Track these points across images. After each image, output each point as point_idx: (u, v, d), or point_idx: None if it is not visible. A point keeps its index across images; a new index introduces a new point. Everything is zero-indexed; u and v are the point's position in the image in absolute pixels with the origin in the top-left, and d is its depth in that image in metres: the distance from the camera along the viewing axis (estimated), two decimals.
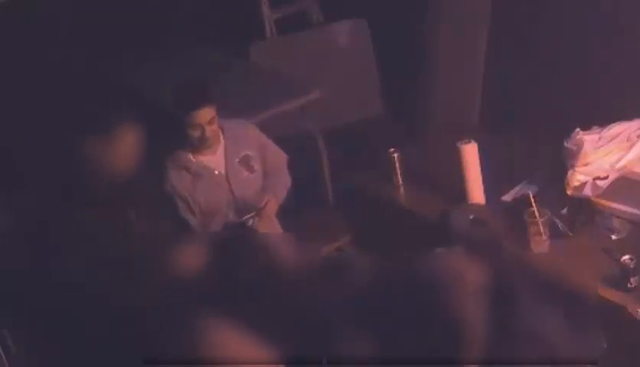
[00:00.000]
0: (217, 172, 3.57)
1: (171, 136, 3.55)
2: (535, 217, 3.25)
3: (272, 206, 3.63)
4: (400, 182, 3.94)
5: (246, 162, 3.60)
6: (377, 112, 4.63)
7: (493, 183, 3.64)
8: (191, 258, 2.18)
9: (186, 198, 3.54)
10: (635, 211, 3.36)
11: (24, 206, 3.12)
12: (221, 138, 3.58)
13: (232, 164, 3.59)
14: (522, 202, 3.40)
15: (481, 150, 3.58)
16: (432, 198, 3.77)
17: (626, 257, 3.08)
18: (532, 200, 3.27)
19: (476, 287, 1.80)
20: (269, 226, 3.60)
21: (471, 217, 3.31)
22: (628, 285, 2.99)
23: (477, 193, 3.61)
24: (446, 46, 4.37)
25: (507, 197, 3.66)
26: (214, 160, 3.58)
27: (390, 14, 4.57)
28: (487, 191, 3.62)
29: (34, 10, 4.77)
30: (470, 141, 3.59)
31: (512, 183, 3.71)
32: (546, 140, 3.75)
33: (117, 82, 4.83)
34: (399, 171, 3.92)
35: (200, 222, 3.57)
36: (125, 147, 2.91)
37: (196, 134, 3.44)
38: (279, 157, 3.78)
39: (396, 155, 3.90)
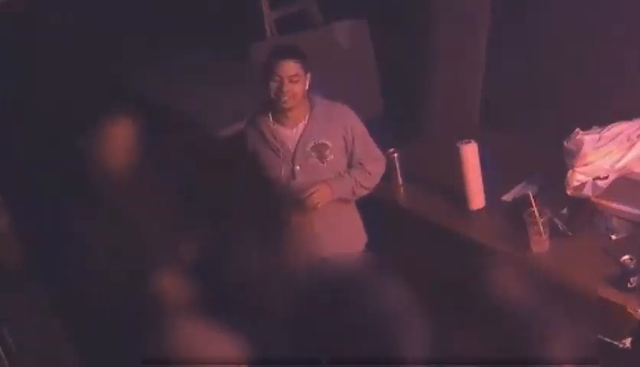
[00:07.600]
0: (285, 147, 3.47)
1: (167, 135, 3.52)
2: (535, 217, 3.24)
3: (319, 195, 3.43)
4: (400, 182, 3.94)
5: (319, 150, 3.46)
6: (377, 112, 4.62)
7: (493, 183, 3.64)
8: (187, 259, 2.18)
9: (259, 154, 3.50)
10: (635, 211, 3.36)
11: (26, 206, 3.13)
12: (306, 116, 3.47)
13: (303, 146, 3.45)
14: (522, 202, 3.40)
15: (481, 150, 3.59)
16: (432, 198, 3.77)
17: (626, 257, 3.09)
18: (532, 200, 3.27)
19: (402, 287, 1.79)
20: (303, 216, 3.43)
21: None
22: (628, 285, 2.99)
23: (477, 193, 3.62)
24: (446, 46, 4.37)
25: (507, 197, 3.66)
26: (289, 135, 3.47)
27: (390, 14, 4.57)
28: (487, 191, 3.63)
29: (34, 9, 4.77)
30: (470, 141, 3.59)
31: (512, 183, 3.71)
32: (546, 140, 3.75)
33: (117, 82, 4.84)
34: (399, 171, 3.93)
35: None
36: (125, 147, 2.92)
37: (274, 85, 3.35)
38: (369, 156, 3.55)
39: (396, 155, 3.90)
